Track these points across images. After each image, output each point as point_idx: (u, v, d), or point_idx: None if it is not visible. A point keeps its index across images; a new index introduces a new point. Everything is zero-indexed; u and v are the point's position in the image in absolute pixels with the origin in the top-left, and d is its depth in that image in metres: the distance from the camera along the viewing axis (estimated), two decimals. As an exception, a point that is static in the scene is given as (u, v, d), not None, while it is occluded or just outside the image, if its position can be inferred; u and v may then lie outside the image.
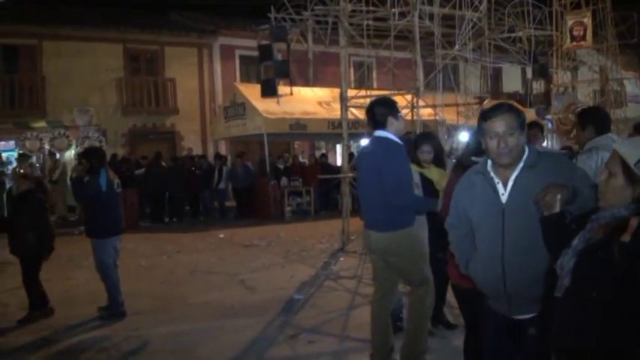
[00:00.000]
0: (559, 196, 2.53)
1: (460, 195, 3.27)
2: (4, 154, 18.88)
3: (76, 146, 19.51)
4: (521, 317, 3.01)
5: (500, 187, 3.02)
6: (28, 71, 21.02)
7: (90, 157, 7.63)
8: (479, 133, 3.12)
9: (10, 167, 17.91)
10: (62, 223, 17.44)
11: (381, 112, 4.85)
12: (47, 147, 19.20)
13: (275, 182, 17.80)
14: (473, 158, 3.47)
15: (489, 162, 3.08)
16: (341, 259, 10.85)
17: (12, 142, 19.69)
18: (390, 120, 4.81)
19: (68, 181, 18.24)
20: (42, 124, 20.26)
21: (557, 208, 2.53)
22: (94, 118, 21.33)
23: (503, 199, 2.99)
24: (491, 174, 3.05)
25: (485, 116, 3.02)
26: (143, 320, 7.23)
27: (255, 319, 7.05)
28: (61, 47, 20.78)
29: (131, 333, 6.74)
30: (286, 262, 10.80)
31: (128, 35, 22.12)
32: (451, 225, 3.36)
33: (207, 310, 7.66)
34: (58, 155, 18.83)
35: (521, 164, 2.99)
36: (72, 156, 19.19)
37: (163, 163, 18.20)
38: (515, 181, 2.98)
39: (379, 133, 4.85)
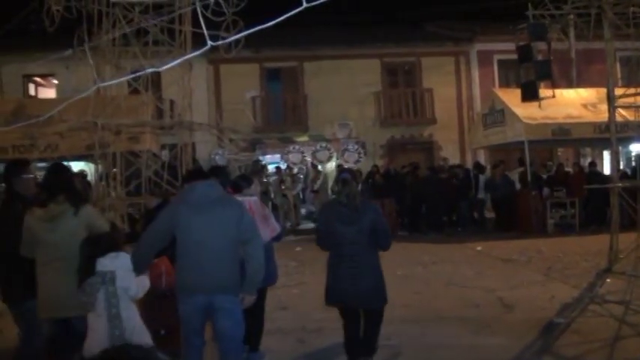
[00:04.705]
0: None
1: None
2: (269, 166, 20.30)
3: (337, 158, 20.30)
4: None
5: None
6: (291, 91, 22.93)
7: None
8: None
9: (272, 178, 19.14)
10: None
11: None
12: (309, 159, 20.24)
13: (537, 193, 16.75)
14: None
15: None
16: (607, 280, 9.78)
17: (277, 156, 21.24)
18: None
19: (329, 191, 19.05)
20: (304, 138, 21.72)
21: None
22: (353, 131, 22.18)
23: None
24: None
25: None
26: (396, 330, 7.10)
27: (512, 341, 6.62)
28: (320, 66, 22.16)
29: (383, 342, 6.64)
30: (547, 281, 10.05)
31: (385, 50, 22.76)
32: None
33: (462, 326, 7.37)
34: (319, 167, 19.74)
35: None
36: (333, 167, 20.01)
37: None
38: None
39: None
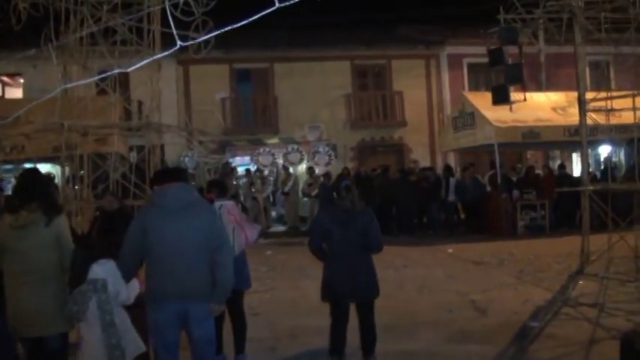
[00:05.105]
0: None
1: None
2: (239, 169, 20.16)
3: (307, 160, 20.20)
4: None
5: None
6: (261, 92, 22.77)
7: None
8: None
9: (242, 181, 19.00)
10: (294, 232, 18.08)
11: None
12: (281, 161, 20.11)
13: (507, 195, 16.81)
14: None
15: None
16: (580, 282, 9.82)
17: (247, 158, 21.05)
18: None
19: (300, 193, 18.96)
20: (275, 140, 21.56)
21: None
22: (324, 133, 22.10)
23: None
24: None
25: None
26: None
27: (486, 347, 6.58)
28: (291, 68, 22.08)
29: (359, 350, 6.56)
30: (519, 284, 10.04)
31: (355, 52, 22.74)
32: None
33: (436, 332, 7.33)
34: (291, 169, 19.63)
35: None
36: (303, 169, 19.92)
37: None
38: None
39: None
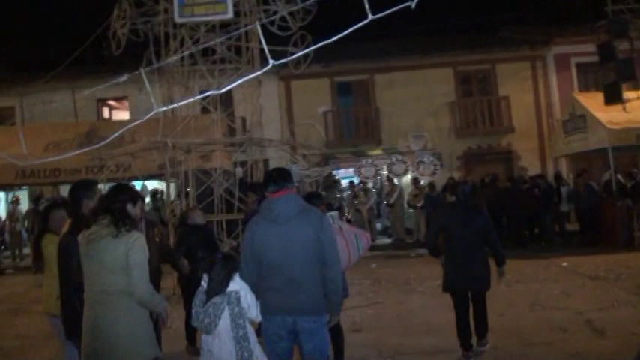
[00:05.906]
0: None
1: None
2: (343, 181, 20.12)
3: (412, 171, 19.84)
4: None
5: None
6: (363, 104, 22.64)
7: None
8: None
9: (346, 193, 18.89)
10: (400, 245, 17.80)
11: None
12: (385, 173, 19.86)
13: (622, 203, 15.73)
14: None
15: None
16: None
17: (350, 170, 20.90)
18: None
19: (405, 205, 18.62)
20: (378, 151, 21.32)
21: None
22: (428, 142, 21.69)
23: None
24: None
25: None
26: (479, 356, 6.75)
27: (604, 372, 6.06)
28: (391, 78, 21.91)
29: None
30: (638, 301, 9.28)
31: (458, 58, 22.24)
32: None
33: (549, 354, 6.89)
34: (395, 180, 19.34)
35: None
36: (408, 181, 19.59)
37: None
38: None
39: None
